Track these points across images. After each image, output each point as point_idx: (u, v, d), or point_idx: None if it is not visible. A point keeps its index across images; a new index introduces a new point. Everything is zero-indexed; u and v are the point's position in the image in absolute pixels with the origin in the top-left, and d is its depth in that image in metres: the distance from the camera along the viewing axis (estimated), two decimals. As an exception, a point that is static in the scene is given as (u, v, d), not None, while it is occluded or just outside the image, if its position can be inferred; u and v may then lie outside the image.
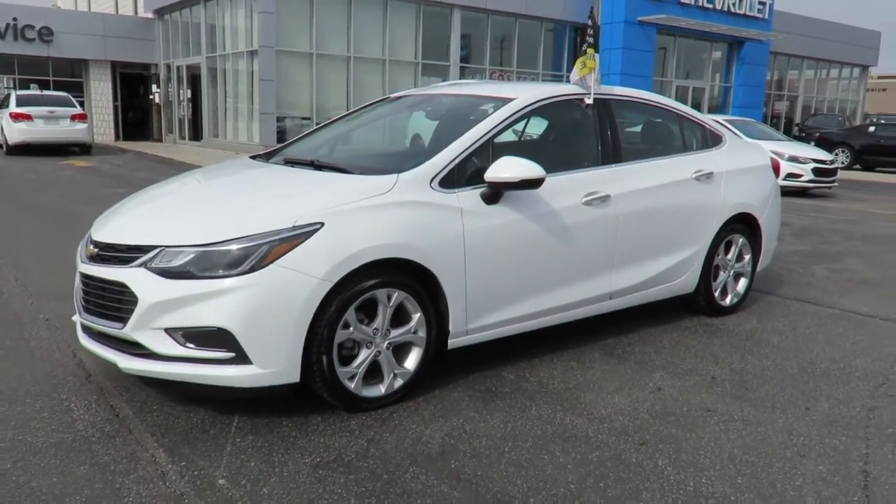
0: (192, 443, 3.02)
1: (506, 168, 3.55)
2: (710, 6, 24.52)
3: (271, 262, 3.03)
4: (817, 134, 22.35)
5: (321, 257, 3.09)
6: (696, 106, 25.09)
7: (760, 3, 26.19)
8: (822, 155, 14.45)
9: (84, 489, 2.64)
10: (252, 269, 3.01)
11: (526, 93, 4.15)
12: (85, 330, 3.48)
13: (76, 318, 3.72)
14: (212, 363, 3.06)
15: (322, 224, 3.15)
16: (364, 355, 3.31)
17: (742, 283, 5.25)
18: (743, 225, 5.11)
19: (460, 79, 21.59)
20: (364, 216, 3.26)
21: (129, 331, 3.11)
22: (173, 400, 3.42)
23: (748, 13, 25.80)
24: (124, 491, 2.64)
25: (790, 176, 13.89)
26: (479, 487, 2.74)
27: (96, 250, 3.36)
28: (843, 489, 2.81)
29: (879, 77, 52.97)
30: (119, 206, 3.83)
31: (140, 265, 3.13)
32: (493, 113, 3.91)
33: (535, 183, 3.59)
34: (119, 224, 3.46)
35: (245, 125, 20.05)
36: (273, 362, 3.05)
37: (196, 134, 23.05)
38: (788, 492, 2.77)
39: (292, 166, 4.02)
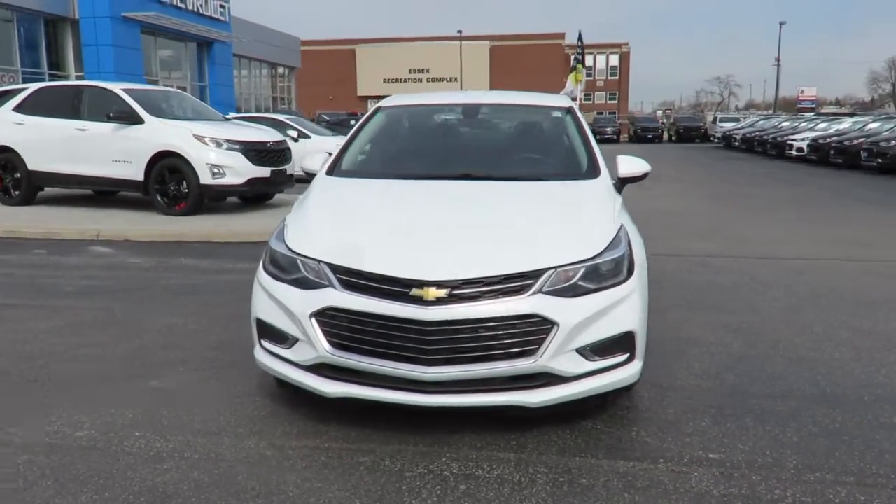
0: (624, 450, 3.17)
1: (632, 165, 4.36)
2: (184, 6, 24.75)
3: (633, 263, 3.34)
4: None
5: (640, 253, 3.51)
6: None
7: (221, 6, 27.52)
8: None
9: (649, 486, 2.74)
10: (630, 273, 3.28)
11: (561, 101, 4.92)
12: (436, 386, 3.00)
13: (338, 388, 3.12)
14: (609, 370, 3.21)
15: (622, 225, 3.54)
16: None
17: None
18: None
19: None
20: (620, 215, 3.72)
21: (546, 361, 3.00)
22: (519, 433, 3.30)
23: (213, 15, 26.88)
24: (681, 485, 2.83)
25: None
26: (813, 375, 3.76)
27: (444, 291, 2.96)
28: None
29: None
30: (385, 242, 3.26)
31: (536, 291, 3.02)
32: (573, 118, 4.60)
33: (646, 175, 4.48)
34: (462, 256, 3.07)
35: None
36: (642, 355, 3.38)
37: None
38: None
39: (464, 181, 3.99)
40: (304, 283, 3.20)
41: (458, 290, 2.97)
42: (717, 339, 4.65)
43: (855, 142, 22.20)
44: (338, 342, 3.08)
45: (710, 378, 3.99)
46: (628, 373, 3.26)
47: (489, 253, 3.12)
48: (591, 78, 77.56)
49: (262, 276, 3.41)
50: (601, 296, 3.13)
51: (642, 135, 44.31)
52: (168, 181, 9.58)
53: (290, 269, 3.29)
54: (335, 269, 3.13)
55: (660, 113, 79.62)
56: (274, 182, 10.17)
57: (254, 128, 10.72)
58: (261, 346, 3.46)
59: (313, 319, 3.11)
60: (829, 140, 24.19)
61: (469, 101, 5.05)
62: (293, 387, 3.38)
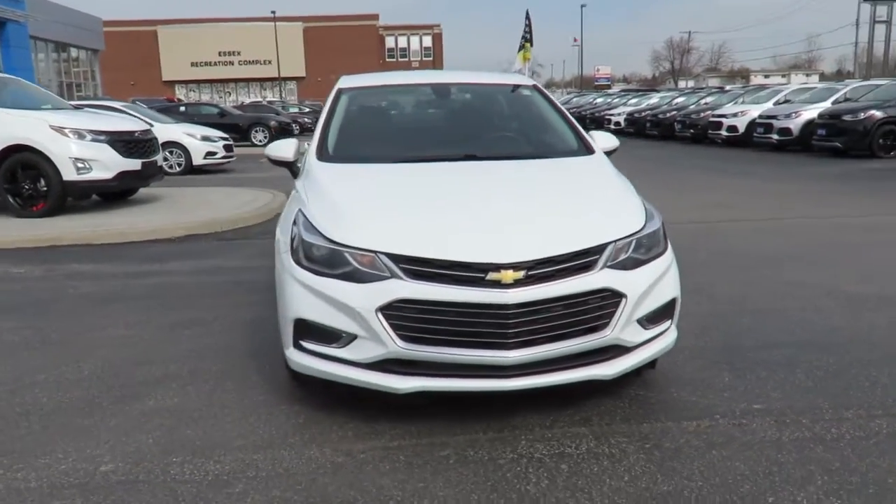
0: (680, 411, 3.32)
1: (607, 141, 4.51)
2: (-31, -19, 21.76)
3: (665, 234, 3.49)
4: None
5: None
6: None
7: (12, -19, 24.49)
8: (221, 133, 15.93)
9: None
10: (666, 243, 3.43)
11: (523, 79, 4.97)
12: (517, 369, 2.94)
13: (411, 383, 2.98)
14: (659, 337, 3.34)
15: (642, 199, 3.68)
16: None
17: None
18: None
19: None
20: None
21: (617, 332, 3.06)
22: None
23: (4, -8, 23.88)
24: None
25: (209, 154, 14.98)
26: (781, 345, 4.13)
27: (521, 273, 2.92)
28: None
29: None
30: (445, 227, 3.11)
31: (602, 266, 3.06)
32: (543, 95, 4.68)
33: (616, 150, 4.65)
34: (528, 237, 3.01)
35: None
36: (675, 322, 3.53)
37: None
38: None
39: (468, 161, 3.94)
40: (356, 277, 3.00)
41: (532, 271, 2.94)
42: (682, 300, 4.94)
43: (668, 115, 24.38)
44: (408, 335, 2.93)
45: (700, 337, 4.27)
46: (671, 338, 3.40)
47: (552, 232, 3.11)
48: (407, 59, 78.39)
49: (299, 273, 3.14)
50: (651, 266, 3.23)
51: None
52: (21, 179, 8.46)
53: (335, 263, 3.07)
54: (398, 258, 2.96)
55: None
56: (144, 175, 9.31)
57: (116, 116, 9.73)
58: (299, 347, 3.20)
59: (380, 314, 2.93)
60: (644, 114, 26.38)
61: (435, 81, 4.93)
62: (341, 388, 3.19)
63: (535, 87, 4.85)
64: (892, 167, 13.56)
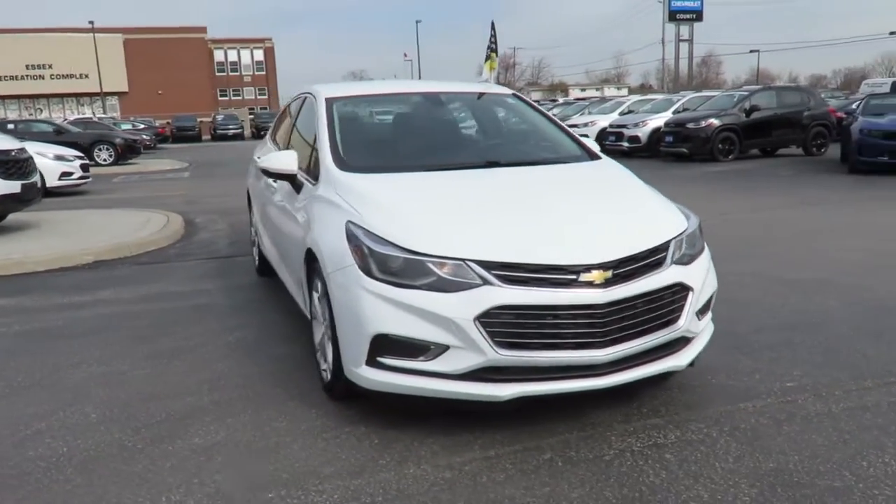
0: (728, 395, 3.54)
1: (596, 146, 4.71)
2: None
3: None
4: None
5: None
6: None
7: None
8: (76, 152, 14.61)
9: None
10: (703, 242, 3.63)
11: (501, 87, 5.06)
12: (607, 367, 3.00)
13: (511, 389, 2.98)
14: (706, 328, 3.54)
15: None
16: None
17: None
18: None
19: None
20: None
21: (687, 324, 3.23)
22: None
23: None
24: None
25: (65, 175, 13.70)
26: (767, 329, 4.51)
27: (610, 272, 3.00)
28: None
29: None
30: (529, 232, 3.12)
31: (670, 262, 3.22)
32: (527, 103, 4.80)
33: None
34: (605, 238, 3.11)
35: None
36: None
37: None
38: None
39: (486, 168, 4.01)
40: (441, 286, 2.94)
41: (617, 270, 3.03)
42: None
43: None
44: (504, 341, 2.91)
45: (695, 327, 4.54)
46: (711, 328, 3.62)
47: (623, 231, 3.22)
48: (238, 73, 76.06)
49: (376, 286, 3.01)
50: (699, 261, 3.43)
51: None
52: None
53: (415, 274, 2.98)
54: (490, 265, 2.93)
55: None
56: (24, 198, 8.34)
57: (-16, 134, 8.66)
58: (375, 364, 3.06)
59: (477, 322, 2.88)
60: (496, 125, 27.32)
61: (417, 91, 4.90)
62: (390, 403, 3.17)
63: (515, 96, 4.96)
64: (736, 169, 15.06)
